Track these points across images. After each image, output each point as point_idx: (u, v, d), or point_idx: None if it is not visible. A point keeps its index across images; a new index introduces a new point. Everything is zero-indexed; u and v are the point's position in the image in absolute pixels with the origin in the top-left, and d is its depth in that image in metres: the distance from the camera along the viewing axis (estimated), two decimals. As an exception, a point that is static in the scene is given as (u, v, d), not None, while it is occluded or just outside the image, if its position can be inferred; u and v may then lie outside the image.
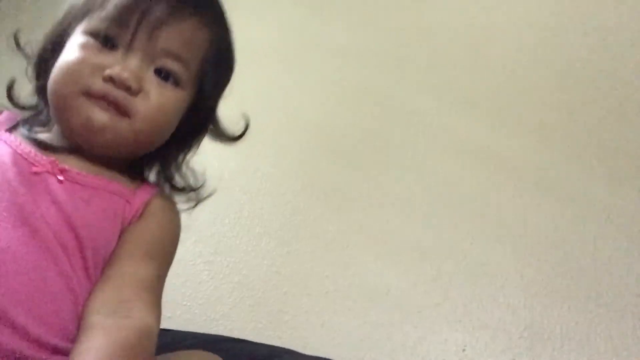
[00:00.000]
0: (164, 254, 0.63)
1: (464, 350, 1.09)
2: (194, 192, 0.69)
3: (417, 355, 1.10)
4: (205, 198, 0.70)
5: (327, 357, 0.96)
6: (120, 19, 0.58)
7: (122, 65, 0.58)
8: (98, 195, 0.59)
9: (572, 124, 1.28)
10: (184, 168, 0.70)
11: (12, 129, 0.63)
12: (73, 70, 0.57)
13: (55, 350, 0.52)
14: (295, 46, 1.55)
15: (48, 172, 0.57)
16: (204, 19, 0.63)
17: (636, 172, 1.22)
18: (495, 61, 1.39)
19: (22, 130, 0.62)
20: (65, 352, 0.51)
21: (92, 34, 0.59)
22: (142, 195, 0.63)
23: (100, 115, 0.57)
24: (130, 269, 0.58)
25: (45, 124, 0.64)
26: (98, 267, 0.57)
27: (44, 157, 0.58)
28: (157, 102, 0.59)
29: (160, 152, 0.66)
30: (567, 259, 1.16)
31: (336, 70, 1.48)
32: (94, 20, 0.59)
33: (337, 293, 1.18)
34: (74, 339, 0.53)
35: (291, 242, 1.28)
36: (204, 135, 0.71)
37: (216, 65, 0.66)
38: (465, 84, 1.38)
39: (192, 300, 1.19)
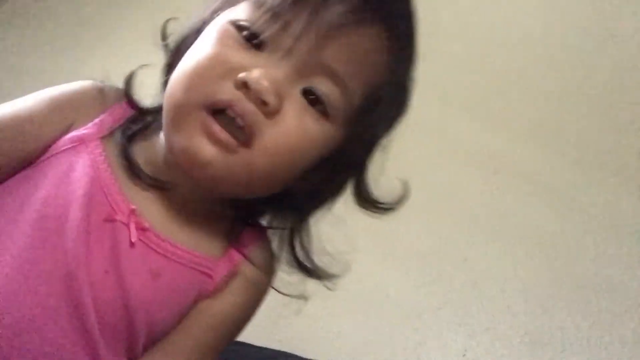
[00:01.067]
0: (230, 336, 0.52)
1: (464, 354, 1.09)
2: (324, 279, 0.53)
3: (418, 359, 1.10)
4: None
5: (327, 360, 0.96)
6: (281, 14, 0.42)
7: (265, 71, 0.41)
8: (172, 269, 0.46)
9: (574, 129, 1.29)
10: (306, 238, 0.53)
11: (109, 135, 0.48)
12: (199, 69, 0.43)
13: None
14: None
15: (123, 223, 0.44)
16: (390, 34, 0.45)
17: (637, 176, 1.22)
18: (497, 64, 1.40)
19: (119, 138, 0.47)
20: None
21: (239, 25, 0.44)
22: (227, 263, 0.49)
23: (206, 149, 0.41)
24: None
25: (149, 137, 0.49)
26: (146, 348, 0.46)
27: (124, 200, 0.44)
28: (293, 131, 0.43)
29: (285, 206, 0.51)
30: (567, 263, 1.16)
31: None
32: (245, 7, 0.44)
33: (337, 296, 1.18)
34: None
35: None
36: (341, 193, 0.54)
37: (386, 104, 0.49)
38: (466, 87, 1.39)
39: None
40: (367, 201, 0.55)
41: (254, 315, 0.54)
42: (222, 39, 0.43)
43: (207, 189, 0.46)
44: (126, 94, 0.49)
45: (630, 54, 1.35)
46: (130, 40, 1.52)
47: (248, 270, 0.50)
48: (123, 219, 0.44)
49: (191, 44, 0.46)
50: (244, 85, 0.41)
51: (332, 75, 0.43)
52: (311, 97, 0.44)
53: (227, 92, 0.42)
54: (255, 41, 0.43)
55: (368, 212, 0.56)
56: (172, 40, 0.50)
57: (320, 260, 0.53)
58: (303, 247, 0.53)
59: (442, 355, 1.09)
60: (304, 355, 0.97)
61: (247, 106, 0.41)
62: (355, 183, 0.54)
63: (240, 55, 0.43)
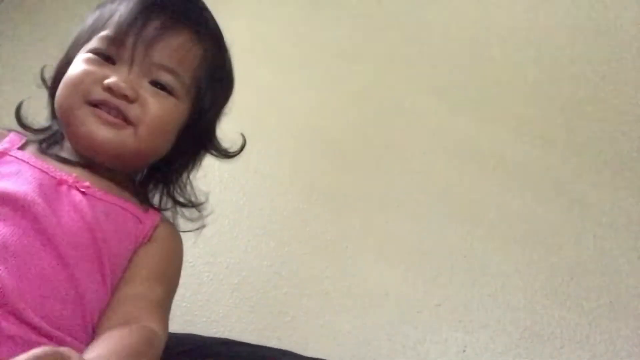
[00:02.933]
0: (172, 279, 0.68)
1: (464, 350, 1.09)
2: (197, 211, 0.73)
3: (417, 356, 1.10)
4: (206, 218, 0.74)
5: (327, 358, 0.96)
6: (119, 38, 0.64)
7: (119, 76, 0.62)
8: (115, 212, 0.62)
9: (574, 126, 1.28)
10: (187, 187, 0.74)
11: (22, 147, 0.65)
12: (76, 81, 0.62)
13: (58, 342, 0.53)
14: (294, 47, 1.55)
15: (70, 185, 0.60)
16: (196, 35, 0.67)
17: (636, 173, 1.22)
18: (496, 62, 1.39)
19: (33, 148, 0.65)
20: (69, 346, 0.52)
21: (94, 51, 0.64)
22: (151, 218, 0.66)
23: (103, 131, 0.61)
24: (142, 291, 0.61)
25: (57, 142, 0.67)
26: (115, 275, 0.60)
27: (65, 172, 0.61)
28: (155, 108, 0.63)
29: (163, 171, 0.71)
30: (567, 259, 1.16)
31: (335, 71, 1.48)
32: (96, 40, 0.65)
33: (336, 294, 1.18)
34: (77, 336, 0.55)
35: (291, 243, 1.27)
36: (203, 153, 0.74)
37: (211, 81, 0.70)
38: (465, 85, 1.38)
39: (191, 301, 1.19)
40: (220, 153, 0.75)
41: (182, 262, 0.70)
42: (86, 61, 0.64)
43: (113, 165, 0.64)
44: (19, 123, 0.70)
45: (622, 47, 1.34)
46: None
47: (167, 225, 0.69)
48: (70, 182, 0.60)
49: (66, 66, 0.66)
50: (109, 89, 0.61)
51: (165, 68, 0.64)
52: (158, 86, 0.64)
53: (99, 94, 0.61)
54: (109, 61, 0.64)
55: (221, 159, 0.75)
56: (49, 77, 0.70)
57: (193, 197, 0.73)
58: (184, 194, 0.73)
59: (442, 352, 1.09)
60: (303, 354, 0.97)
61: (115, 101, 0.61)
62: (210, 145, 0.74)
63: (101, 69, 0.63)
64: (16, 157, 0.62)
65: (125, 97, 0.61)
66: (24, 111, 0.71)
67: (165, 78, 0.65)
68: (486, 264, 1.17)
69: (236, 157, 0.76)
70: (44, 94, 0.72)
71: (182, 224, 0.74)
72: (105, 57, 0.64)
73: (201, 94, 0.69)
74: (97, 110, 0.61)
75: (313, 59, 1.52)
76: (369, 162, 1.34)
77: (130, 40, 0.63)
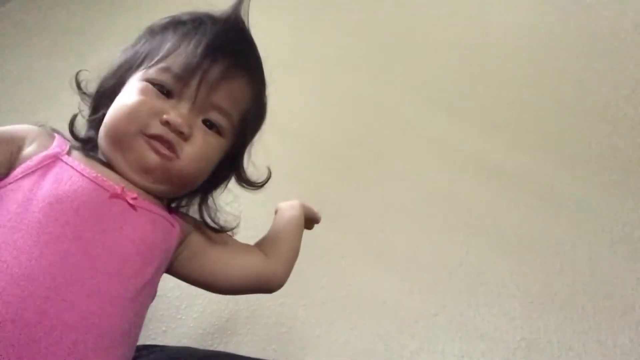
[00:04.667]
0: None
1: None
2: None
3: (415, 366, 1.09)
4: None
5: (324, 369, 0.96)
6: (184, 77, 0.65)
7: (178, 112, 0.65)
8: (157, 219, 0.65)
9: (569, 134, 1.29)
10: (217, 212, 0.78)
11: (69, 151, 0.66)
12: (134, 110, 0.64)
13: None
14: (291, 56, 1.55)
15: (119, 197, 0.62)
16: (252, 79, 0.71)
17: (632, 182, 1.22)
18: (491, 71, 1.40)
19: (78, 153, 0.66)
20: None
21: (153, 82, 0.66)
22: (176, 220, 0.70)
23: (153, 158, 0.63)
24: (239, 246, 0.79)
25: (97, 147, 0.69)
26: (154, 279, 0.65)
27: (112, 184, 0.62)
28: (202, 147, 0.66)
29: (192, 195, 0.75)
30: (563, 268, 1.16)
31: (332, 79, 1.48)
32: (155, 71, 0.66)
33: (333, 304, 1.18)
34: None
35: (287, 252, 1.27)
36: (230, 178, 0.79)
37: (254, 118, 0.75)
38: (462, 95, 1.39)
39: (187, 313, 1.18)
40: (245, 183, 0.79)
41: None
42: (144, 91, 0.65)
43: (152, 190, 0.65)
44: (71, 132, 0.71)
45: (615, 50, 1.35)
46: (118, 45, 1.51)
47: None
48: (119, 193, 0.61)
49: (109, 94, 0.68)
50: (167, 123, 0.63)
51: (220, 109, 0.68)
52: (208, 124, 0.67)
53: (156, 127, 0.63)
54: (165, 92, 0.66)
55: (248, 190, 0.80)
56: (91, 88, 0.72)
57: (223, 220, 0.77)
58: (209, 214, 0.76)
59: (439, 362, 1.09)
60: (300, 365, 0.96)
61: (171, 136, 0.64)
62: (236, 174, 0.78)
63: (159, 102, 0.65)
64: (67, 164, 0.62)
65: (181, 134, 0.64)
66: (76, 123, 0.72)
67: (218, 119, 0.68)
68: (482, 273, 1.17)
69: (261, 189, 0.83)
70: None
71: None
72: (164, 91, 0.66)
73: (244, 131, 0.73)
74: (153, 142, 0.63)
75: (307, 68, 1.52)
76: (365, 172, 1.34)
77: (195, 82, 0.65)
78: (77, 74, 0.72)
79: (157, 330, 1.16)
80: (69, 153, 0.65)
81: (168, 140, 0.63)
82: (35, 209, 0.57)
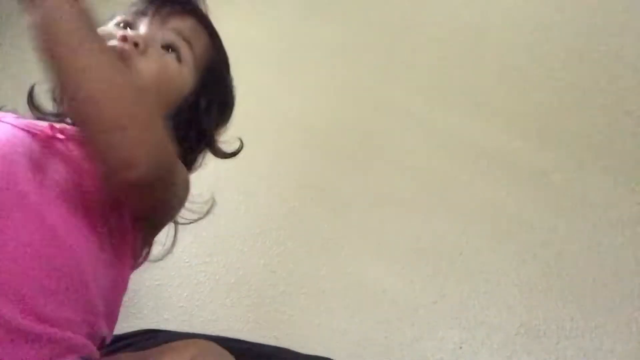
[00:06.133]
0: None
1: (460, 347, 1.10)
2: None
3: (414, 353, 1.10)
4: (207, 213, 0.76)
5: (324, 356, 0.96)
6: (140, 10, 0.69)
7: (135, 32, 0.67)
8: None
9: (568, 122, 1.29)
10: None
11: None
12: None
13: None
14: (289, 46, 1.55)
15: (49, 137, 0.60)
16: (202, 23, 0.73)
17: (631, 169, 1.23)
18: (489, 60, 1.40)
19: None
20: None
21: (114, 23, 0.70)
22: None
23: (120, 44, 0.64)
24: None
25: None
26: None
27: (42, 127, 0.61)
28: (159, 62, 0.67)
29: None
30: (562, 256, 1.16)
31: (330, 70, 1.48)
32: (118, 16, 0.71)
33: (333, 292, 1.19)
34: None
35: (287, 241, 1.28)
36: (204, 148, 0.76)
37: (217, 74, 0.75)
38: (459, 83, 1.39)
39: (188, 301, 1.19)
40: (218, 153, 0.78)
41: None
42: (105, 28, 0.68)
43: None
44: (31, 105, 0.72)
45: (608, 39, 1.35)
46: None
47: None
48: (48, 133, 0.60)
49: None
50: (123, 38, 0.65)
51: (180, 33, 0.69)
52: (169, 49, 0.68)
53: (113, 43, 0.64)
54: (125, 26, 0.68)
55: (219, 158, 0.78)
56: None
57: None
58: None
59: (439, 349, 1.10)
60: (301, 351, 0.97)
61: (126, 46, 0.65)
62: (210, 146, 0.76)
63: (119, 30, 0.67)
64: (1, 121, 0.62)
65: (136, 45, 0.65)
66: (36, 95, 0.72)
67: (176, 41, 0.69)
68: (482, 261, 1.18)
69: (234, 158, 0.80)
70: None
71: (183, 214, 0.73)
72: (124, 25, 0.69)
73: (207, 79, 0.72)
74: (118, 36, 0.64)
75: (308, 59, 1.52)
76: (364, 161, 1.35)
77: (150, 11, 0.69)
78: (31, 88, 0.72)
79: (159, 319, 1.17)
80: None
81: (122, 50, 0.64)
82: None
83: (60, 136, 0.60)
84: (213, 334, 1.10)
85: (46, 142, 0.59)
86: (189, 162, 0.74)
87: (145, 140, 0.52)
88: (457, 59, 1.42)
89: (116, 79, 0.53)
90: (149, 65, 0.66)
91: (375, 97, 1.43)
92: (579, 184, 1.23)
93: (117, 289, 0.61)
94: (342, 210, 1.29)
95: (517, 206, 1.23)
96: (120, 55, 0.63)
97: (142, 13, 0.69)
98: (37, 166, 0.56)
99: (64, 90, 0.53)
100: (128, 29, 0.68)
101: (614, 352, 1.07)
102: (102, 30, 0.66)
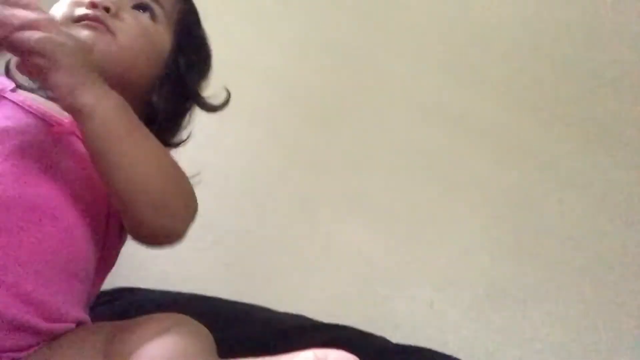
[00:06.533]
0: None
1: (431, 306, 1.13)
2: None
3: (387, 311, 1.14)
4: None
5: (300, 313, 0.99)
6: None
7: None
8: None
9: (542, 91, 1.30)
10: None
11: (14, 89, 0.64)
12: (63, 8, 0.64)
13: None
14: (266, 5, 1.52)
15: (69, 132, 0.59)
16: None
17: (601, 137, 1.25)
18: (472, 25, 1.39)
19: (27, 88, 0.65)
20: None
21: None
22: None
23: (86, 33, 0.61)
24: None
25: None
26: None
27: (61, 117, 0.60)
28: (136, 25, 0.66)
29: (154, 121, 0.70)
30: (532, 220, 1.20)
31: (309, 30, 1.46)
32: None
33: (309, 252, 1.21)
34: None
35: (265, 202, 1.28)
36: (190, 105, 0.76)
37: (191, 31, 0.74)
38: (441, 48, 1.38)
39: (166, 258, 1.20)
40: (207, 107, 0.77)
41: None
42: None
43: (102, 71, 0.58)
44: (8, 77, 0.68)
45: (597, 11, 1.35)
46: None
47: None
48: (68, 128, 0.59)
49: None
50: (92, 5, 0.63)
51: None
52: (139, 9, 0.67)
53: (82, 11, 0.63)
54: None
55: (206, 111, 0.78)
56: None
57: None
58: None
59: (410, 308, 1.13)
60: (277, 309, 0.99)
61: (97, 12, 0.63)
62: (197, 102, 0.76)
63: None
64: (11, 100, 0.61)
65: (107, 10, 0.63)
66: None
67: (149, 1, 0.68)
68: (455, 224, 1.21)
69: (221, 110, 0.79)
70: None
71: None
72: None
73: (181, 35, 0.72)
74: (82, 22, 0.62)
75: (292, 19, 1.49)
76: (342, 124, 1.35)
77: None
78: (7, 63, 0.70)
79: (136, 276, 1.18)
80: (13, 90, 0.63)
81: (95, 17, 0.62)
82: None
83: (79, 134, 0.58)
84: (190, 292, 1.12)
85: (62, 136, 0.59)
86: (179, 122, 0.76)
87: (188, 215, 0.61)
88: (440, 25, 1.41)
89: (163, 163, 0.58)
90: (129, 29, 0.64)
91: (358, 59, 1.41)
92: (552, 151, 1.25)
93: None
94: (320, 172, 1.29)
95: (491, 172, 1.25)
96: (95, 22, 0.62)
97: None
98: (50, 165, 0.57)
99: (112, 180, 0.55)
100: None
101: (579, 315, 1.12)
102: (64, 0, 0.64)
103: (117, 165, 0.54)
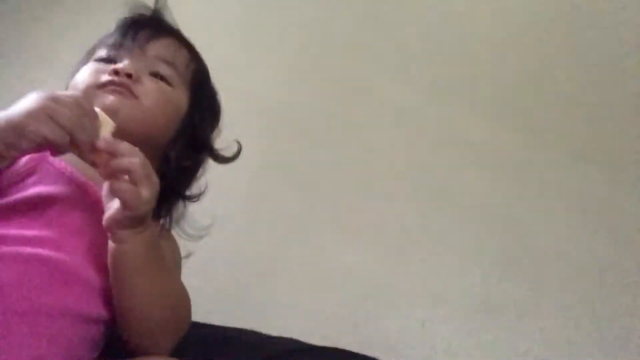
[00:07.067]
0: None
1: (423, 325, 1.13)
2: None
3: (379, 331, 1.13)
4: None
5: (291, 337, 0.98)
6: (117, 44, 0.73)
7: (123, 63, 0.70)
8: None
9: (529, 107, 1.32)
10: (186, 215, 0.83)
11: None
12: (87, 76, 0.70)
13: None
14: (256, 24, 1.53)
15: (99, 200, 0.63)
16: (179, 42, 0.77)
17: (587, 152, 1.27)
18: (458, 42, 1.41)
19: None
20: None
21: (96, 59, 0.73)
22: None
23: (111, 99, 0.67)
24: None
25: None
26: None
27: (92, 182, 0.65)
28: (156, 90, 0.71)
29: (170, 178, 0.75)
30: (520, 236, 1.21)
31: (298, 49, 1.47)
32: (97, 52, 0.75)
33: (300, 273, 1.20)
34: None
35: (254, 223, 1.28)
36: (203, 158, 0.82)
37: (203, 86, 0.80)
38: (427, 66, 1.40)
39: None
40: (219, 159, 0.85)
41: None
42: (91, 66, 0.72)
43: (126, 132, 0.63)
44: None
45: (580, 25, 1.38)
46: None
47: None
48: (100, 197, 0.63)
49: None
50: (114, 72, 0.68)
51: (161, 58, 0.74)
52: (157, 76, 0.72)
53: (106, 77, 0.68)
54: (109, 62, 0.72)
55: (219, 163, 0.85)
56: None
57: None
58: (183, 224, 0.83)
59: (402, 327, 1.13)
60: (267, 332, 0.98)
61: (121, 79, 0.68)
62: (211, 154, 0.83)
63: (105, 66, 0.71)
64: (52, 165, 0.65)
65: (129, 76, 0.68)
66: None
67: (163, 68, 0.73)
68: (444, 240, 1.21)
69: (233, 162, 0.87)
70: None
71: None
72: (107, 60, 0.72)
73: (197, 95, 0.77)
74: (106, 87, 0.67)
75: (275, 37, 1.50)
76: (331, 142, 1.35)
77: (128, 42, 0.73)
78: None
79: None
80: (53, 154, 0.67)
81: (120, 83, 0.68)
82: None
83: None
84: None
85: (98, 204, 0.62)
86: (194, 174, 0.82)
87: (177, 337, 0.66)
88: (427, 43, 1.43)
89: (168, 295, 0.64)
90: (150, 93, 0.70)
91: (345, 77, 1.42)
92: (541, 167, 1.27)
93: None
94: (308, 191, 1.29)
95: (479, 187, 1.26)
96: (119, 87, 0.67)
97: (119, 46, 0.73)
98: (81, 230, 0.62)
99: (119, 297, 0.60)
100: (111, 64, 0.71)
101: (567, 326, 1.12)
102: (87, 69, 0.71)
103: (129, 291, 0.60)
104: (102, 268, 0.61)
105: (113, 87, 0.67)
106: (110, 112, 0.64)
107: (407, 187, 1.28)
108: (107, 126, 0.59)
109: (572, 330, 1.12)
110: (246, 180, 1.32)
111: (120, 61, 0.71)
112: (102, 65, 0.71)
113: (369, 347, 0.97)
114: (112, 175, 0.57)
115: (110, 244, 0.60)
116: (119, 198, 0.57)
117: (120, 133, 0.62)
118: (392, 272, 1.18)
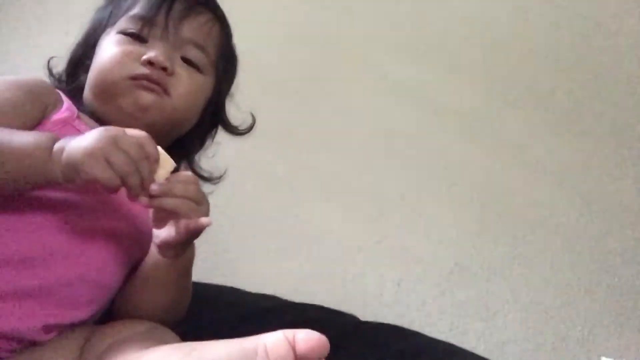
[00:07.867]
0: None
1: (399, 284, 1.16)
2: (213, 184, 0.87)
3: (356, 290, 1.16)
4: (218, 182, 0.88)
5: (271, 294, 1.00)
6: (149, 17, 0.70)
7: (156, 50, 0.68)
8: None
9: (516, 79, 1.33)
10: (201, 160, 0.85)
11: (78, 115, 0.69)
12: (115, 59, 0.68)
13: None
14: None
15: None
16: (214, 15, 0.76)
17: (566, 121, 1.29)
18: (449, 13, 1.40)
19: (86, 117, 0.70)
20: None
21: (124, 32, 0.70)
22: None
23: (146, 96, 0.67)
24: None
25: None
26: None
27: None
28: (189, 84, 0.70)
29: (183, 146, 0.79)
30: (495, 200, 1.24)
31: (282, 9, 1.44)
32: (123, 22, 0.71)
33: (281, 233, 1.21)
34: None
35: (236, 182, 1.28)
36: (217, 129, 0.85)
37: (227, 57, 0.80)
38: (417, 34, 1.39)
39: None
40: (231, 131, 0.87)
41: None
42: (119, 42, 0.70)
43: (149, 131, 0.62)
44: (68, 87, 0.75)
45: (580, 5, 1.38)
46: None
47: None
48: None
49: (84, 58, 0.74)
50: (149, 63, 0.67)
51: (193, 43, 0.72)
52: (188, 62, 0.72)
53: (140, 69, 0.67)
54: (140, 39, 0.70)
55: (234, 136, 0.87)
56: (69, 52, 0.77)
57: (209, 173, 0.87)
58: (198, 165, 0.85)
59: (379, 286, 1.16)
60: (248, 290, 1.00)
61: (157, 74, 0.67)
62: (222, 123, 0.85)
63: (135, 47, 0.69)
64: (76, 128, 0.66)
65: (164, 70, 0.67)
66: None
67: (195, 54, 0.72)
68: (422, 203, 1.23)
69: (246, 134, 0.89)
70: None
71: None
72: (136, 36, 0.70)
73: (222, 71, 0.78)
74: (143, 82, 0.67)
75: (275, 8, 1.47)
76: (314, 104, 1.35)
77: (161, 18, 0.69)
78: (48, 61, 0.77)
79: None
80: (78, 116, 0.68)
81: (156, 79, 0.67)
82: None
83: None
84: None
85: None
86: (204, 143, 0.85)
87: (183, 315, 0.72)
88: (409, 7, 1.41)
89: (188, 294, 0.72)
90: (182, 87, 0.69)
91: (328, 39, 1.41)
92: (518, 134, 1.28)
93: None
94: (291, 152, 1.30)
95: (458, 153, 1.28)
96: (153, 84, 0.67)
97: (151, 21, 0.70)
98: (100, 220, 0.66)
99: (132, 308, 0.67)
100: (140, 42, 0.70)
101: (537, 289, 1.17)
102: (115, 46, 0.69)
103: (146, 297, 0.67)
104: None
105: (147, 84, 0.67)
106: (142, 109, 0.67)
107: (388, 150, 1.29)
108: (166, 166, 0.58)
109: (541, 292, 1.16)
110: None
111: (152, 42, 0.69)
112: (131, 46, 0.69)
113: (347, 305, 1.01)
114: (161, 212, 0.59)
115: (153, 251, 0.64)
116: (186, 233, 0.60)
117: (148, 127, 0.63)
118: (370, 233, 1.20)
